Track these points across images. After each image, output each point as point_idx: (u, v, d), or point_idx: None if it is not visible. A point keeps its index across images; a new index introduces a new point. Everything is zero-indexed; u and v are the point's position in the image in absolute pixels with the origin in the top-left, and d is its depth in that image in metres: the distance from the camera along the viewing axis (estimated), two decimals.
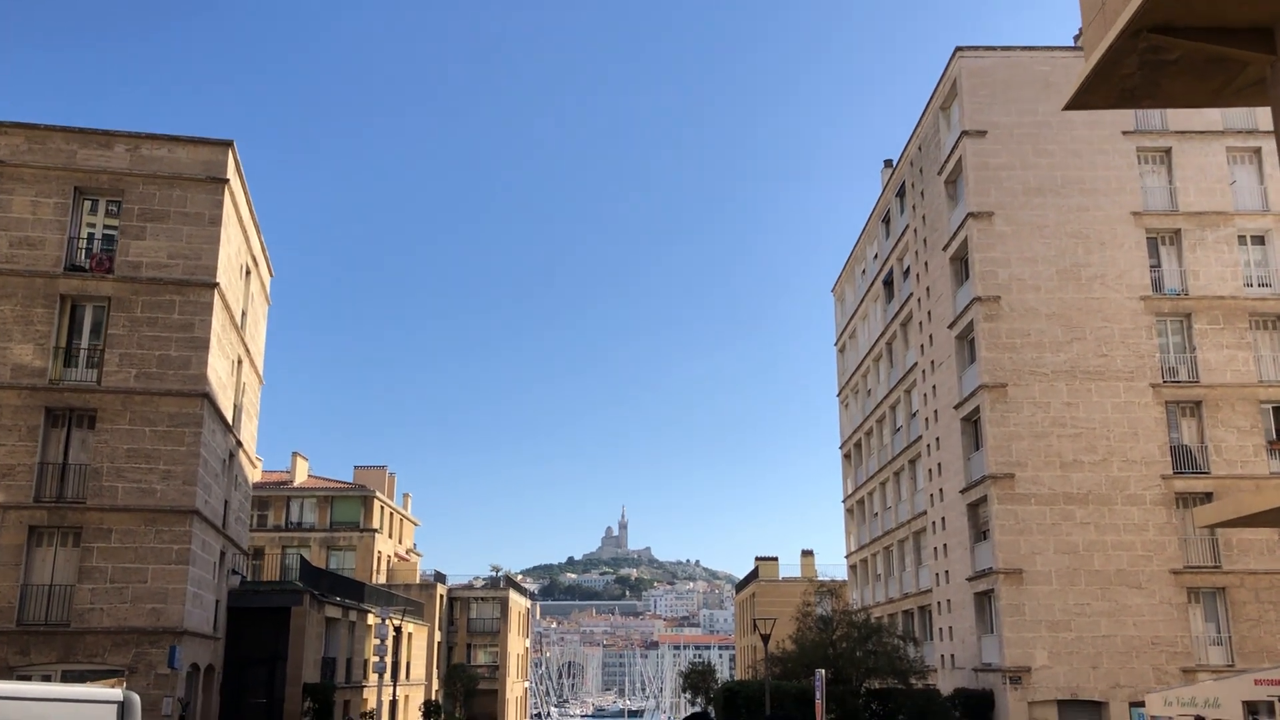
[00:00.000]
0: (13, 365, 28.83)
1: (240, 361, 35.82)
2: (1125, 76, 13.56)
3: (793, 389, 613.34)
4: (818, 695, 19.01)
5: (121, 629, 27.98)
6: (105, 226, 30.72)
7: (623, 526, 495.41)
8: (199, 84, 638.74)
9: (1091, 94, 14.40)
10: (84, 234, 30.62)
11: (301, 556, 42.72)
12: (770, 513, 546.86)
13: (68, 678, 28.01)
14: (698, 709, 43.39)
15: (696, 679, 44.70)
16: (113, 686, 10.95)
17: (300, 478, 75.90)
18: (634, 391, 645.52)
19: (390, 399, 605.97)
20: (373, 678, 42.28)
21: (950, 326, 41.17)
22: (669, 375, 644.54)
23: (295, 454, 76.05)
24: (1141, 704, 33.82)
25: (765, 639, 32.43)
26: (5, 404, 28.54)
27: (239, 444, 36.10)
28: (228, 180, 31.21)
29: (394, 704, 49.90)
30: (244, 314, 36.07)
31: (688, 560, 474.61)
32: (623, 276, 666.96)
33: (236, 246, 33.59)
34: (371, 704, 44.52)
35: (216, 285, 30.51)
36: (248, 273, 36.38)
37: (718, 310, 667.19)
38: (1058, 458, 36.67)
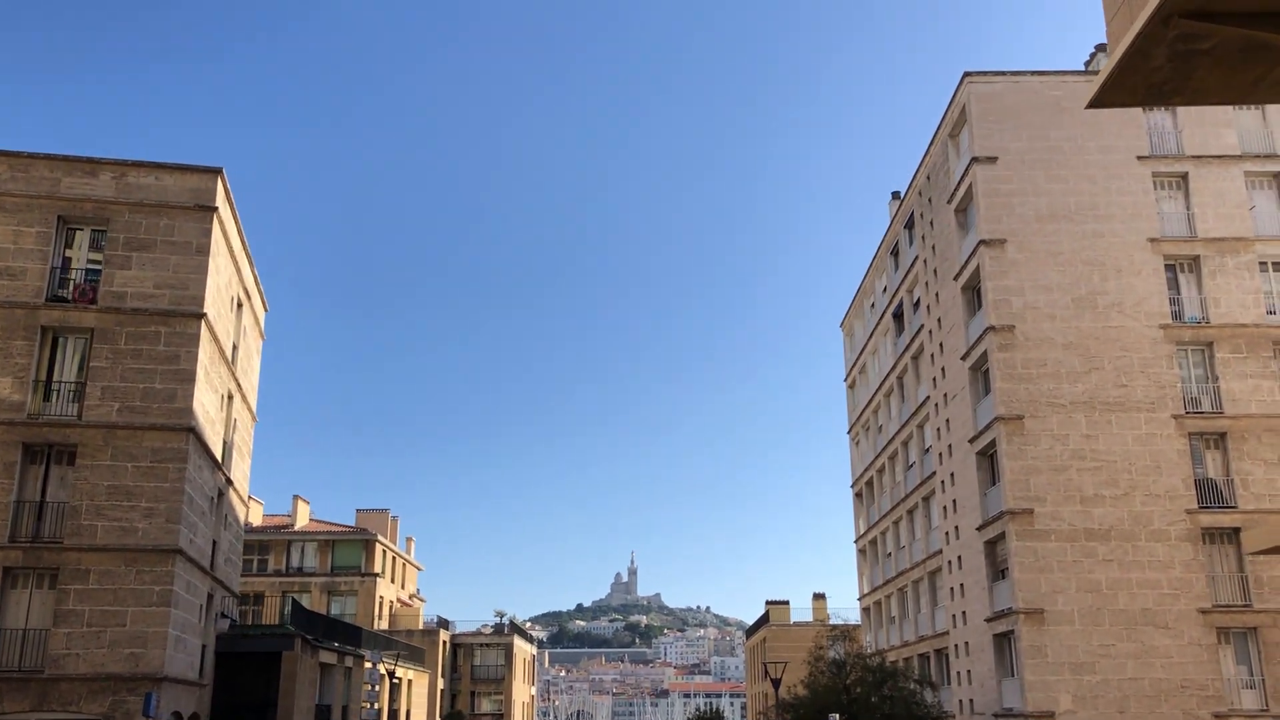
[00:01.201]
0: None
1: (230, 397, 34.74)
2: (1153, 70, 12.60)
3: (803, 429, 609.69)
4: None
5: (98, 675, 26.66)
6: (89, 257, 29.79)
7: (632, 573, 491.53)
8: (190, 112, 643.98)
9: (1116, 90, 13.42)
10: (71, 264, 29.69)
11: (294, 599, 41.35)
12: (781, 557, 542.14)
13: None
14: None
15: None
16: None
17: (301, 521, 74.58)
18: (643, 436, 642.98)
19: (394, 443, 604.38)
20: None
21: (963, 358, 39.96)
22: (678, 419, 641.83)
23: (296, 497, 74.78)
24: None
25: (776, 684, 30.95)
26: None
27: (229, 482, 34.92)
28: (216, 208, 30.32)
29: None
30: (235, 348, 35.05)
31: (698, 607, 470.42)
32: (630, 318, 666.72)
33: (227, 277, 32.64)
34: None
35: (204, 316, 29.51)
36: (239, 305, 35.41)
37: (726, 351, 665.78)
38: (1078, 492, 35.27)
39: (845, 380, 63.51)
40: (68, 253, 29.75)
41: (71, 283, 29.39)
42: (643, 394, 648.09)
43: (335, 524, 75.50)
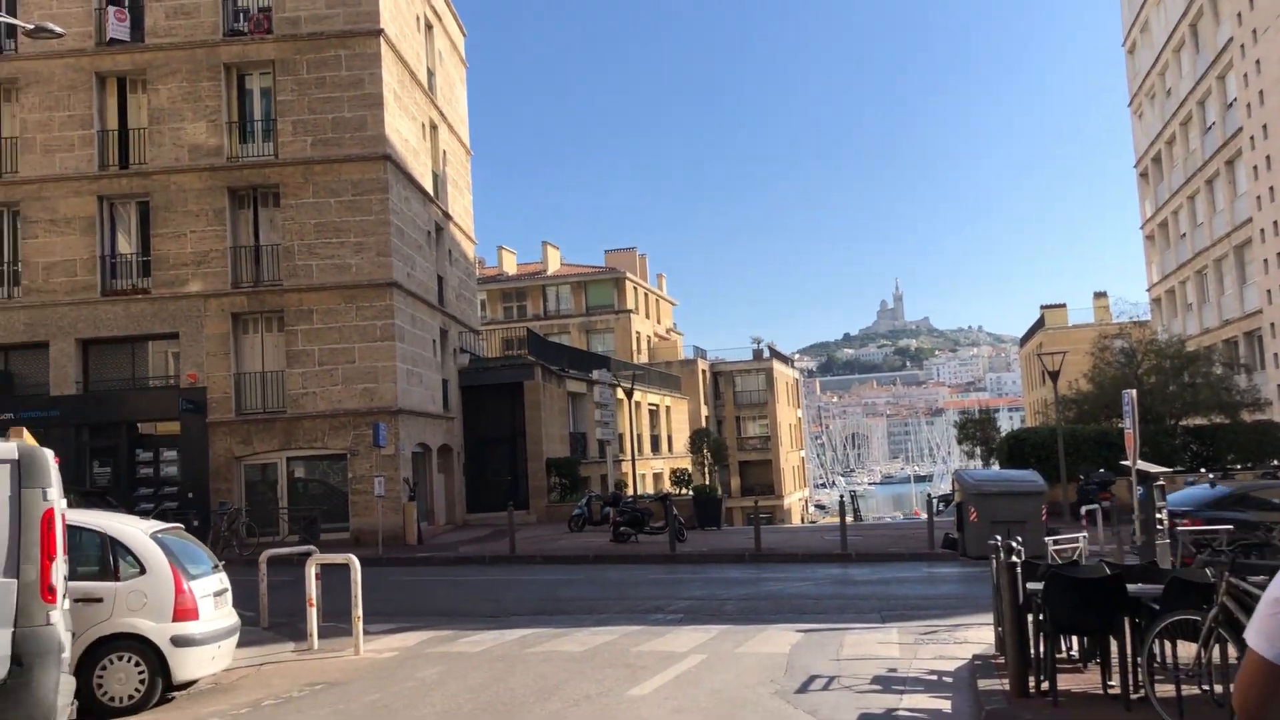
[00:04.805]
0: (189, 146, 27.06)
1: (434, 126, 32.93)
2: None
3: (1074, 112, 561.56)
4: (1127, 422, 14.33)
5: (337, 412, 26.60)
6: None
7: (897, 298, 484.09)
8: None
9: None
10: None
11: (529, 330, 40.81)
12: (1056, 263, 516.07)
13: (293, 464, 27.20)
14: (975, 466, 38.83)
15: (973, 430, 39.87)
16: (9, 440, 7.90)
17: (553, 266, 75.07)
18: (899, 153, 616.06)
19: (643, 183, 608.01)
20: (627, 450, 40.43)
21: None
22: (936, 130, 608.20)
23: (545, 243, 75.06)
24: None
25: (1054, 376, 27.24)
26: (189, 188, 26.98)
27: (447, 216, 33.67)
28: None
29: (657, 476, 48.55)
30: (430, 74, 32.93)
31: (969, 326, 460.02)
32: (872, 25, 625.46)
33: None
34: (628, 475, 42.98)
35: (382, 32, 27.22)
36: (429, 27, 33.00)
37: (985, 44, 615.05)
38: None
39: (1123, 44, 54.84)
40: None
41: (245, 15, 27.73)
42: (899, 106, 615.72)
43: (585, 265, 75.59)
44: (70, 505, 19.06)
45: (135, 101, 27.76)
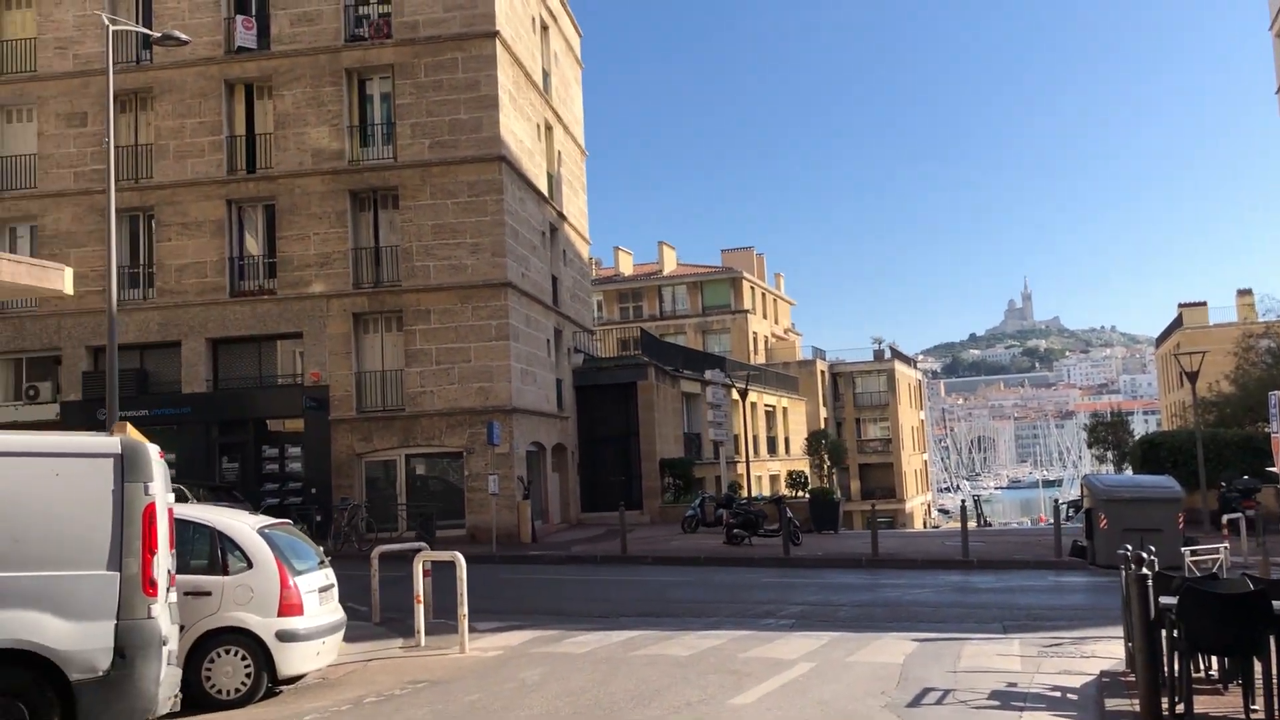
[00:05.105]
0: (312, 150, 27.76)
1: (549, 127, 33.11)
2: None
3: (1215, 101, 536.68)
4: (1274, 426, 13.39)
5: (453, 410, 26.93)
6: None
7: (1026, 298, 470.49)
8: None
9: None
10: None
11: (642, 329, 40.75)
12: (1194, 260, 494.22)
13: (412, 461, 27.64)
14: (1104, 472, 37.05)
15: (1105, 433, 38.16)
16: (112, 435, 7.99)
17: (669, 266, 74.98)
18: (1023, 153, 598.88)
19: (761, 182, 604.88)
20: (742, 451, 40.00)
21: None
22: (1061, 125, 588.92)
23: (661, 243, 75.00)
24: None
25: (1193, 377, 25.90)
26: (311, 191, 27.68)
27: (562, 217, 33.81)
28: None
29: (773, 478, 48.00)
30: (546, 75, 33.12)
31: (1102, 326, 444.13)
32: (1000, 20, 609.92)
33: None
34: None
35: (497, 34, 27.45)
36: (545, 28, 33.21)
37: (1116, 33, 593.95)
38: None
39: (1270, 29, 51.88)
40: None
41: (366, 20, 28.32)
42: (1026, 99, 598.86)
43: (702, 265, 75.30)
44: (200, 500, 19.70)
45: (261, 107, 28.63)
